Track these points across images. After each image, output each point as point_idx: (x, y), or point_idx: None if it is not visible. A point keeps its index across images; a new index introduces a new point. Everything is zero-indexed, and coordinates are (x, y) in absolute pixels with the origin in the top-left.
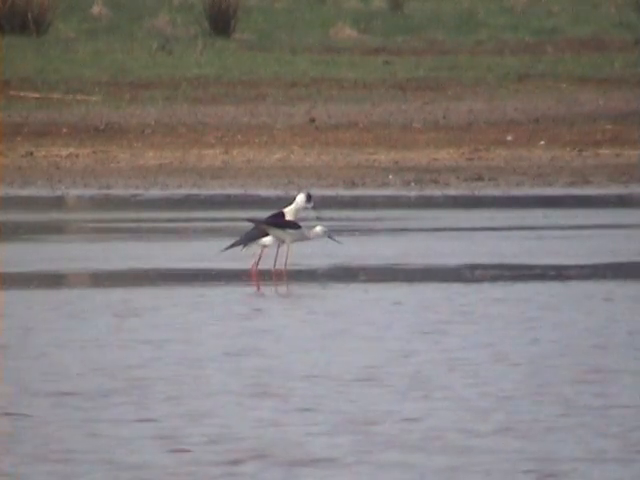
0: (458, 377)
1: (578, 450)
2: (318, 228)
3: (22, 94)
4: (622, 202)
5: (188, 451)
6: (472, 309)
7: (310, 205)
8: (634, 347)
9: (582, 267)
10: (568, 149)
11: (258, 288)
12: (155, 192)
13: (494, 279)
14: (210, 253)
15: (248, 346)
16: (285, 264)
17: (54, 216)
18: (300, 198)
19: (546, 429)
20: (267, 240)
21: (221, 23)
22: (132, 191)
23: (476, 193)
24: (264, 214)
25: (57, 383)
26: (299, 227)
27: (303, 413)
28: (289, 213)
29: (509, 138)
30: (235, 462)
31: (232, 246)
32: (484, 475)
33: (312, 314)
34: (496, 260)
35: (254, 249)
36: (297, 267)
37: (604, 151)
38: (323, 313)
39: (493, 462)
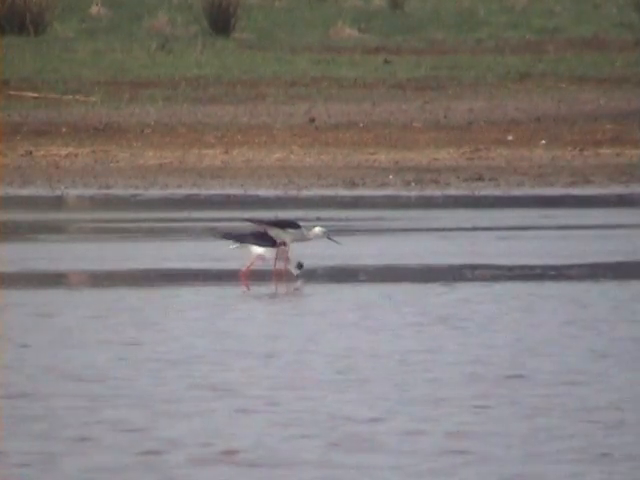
0: (411, 377)
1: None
2: (317, 228)
3: (21, 94)
4: (623, 202)
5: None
6: (457, 310)
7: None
8: (598, 351)
9: (580, 267)
10: (569, 149)
11: (248, 288)
12: (155, 192)
13: (491, 279)
14: (209, 253)
15: (211, 347)
16: (285, 264)
17: (53, 216)
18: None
19: (484, 432)
20: (262, 251)
21: (221, 22)
22: (132, 191)
23: (476, 193)
24: (264, 214)
25: (13, 386)
26: (299, 227)
27: (252, 415)
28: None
29: (510, 138)
30: (192, 463)
31: (232, 237)
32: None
33: (296, 314)
34: (495, 260)
35: (247, 251)
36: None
37: (605, 151)
38: (305, 314)
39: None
